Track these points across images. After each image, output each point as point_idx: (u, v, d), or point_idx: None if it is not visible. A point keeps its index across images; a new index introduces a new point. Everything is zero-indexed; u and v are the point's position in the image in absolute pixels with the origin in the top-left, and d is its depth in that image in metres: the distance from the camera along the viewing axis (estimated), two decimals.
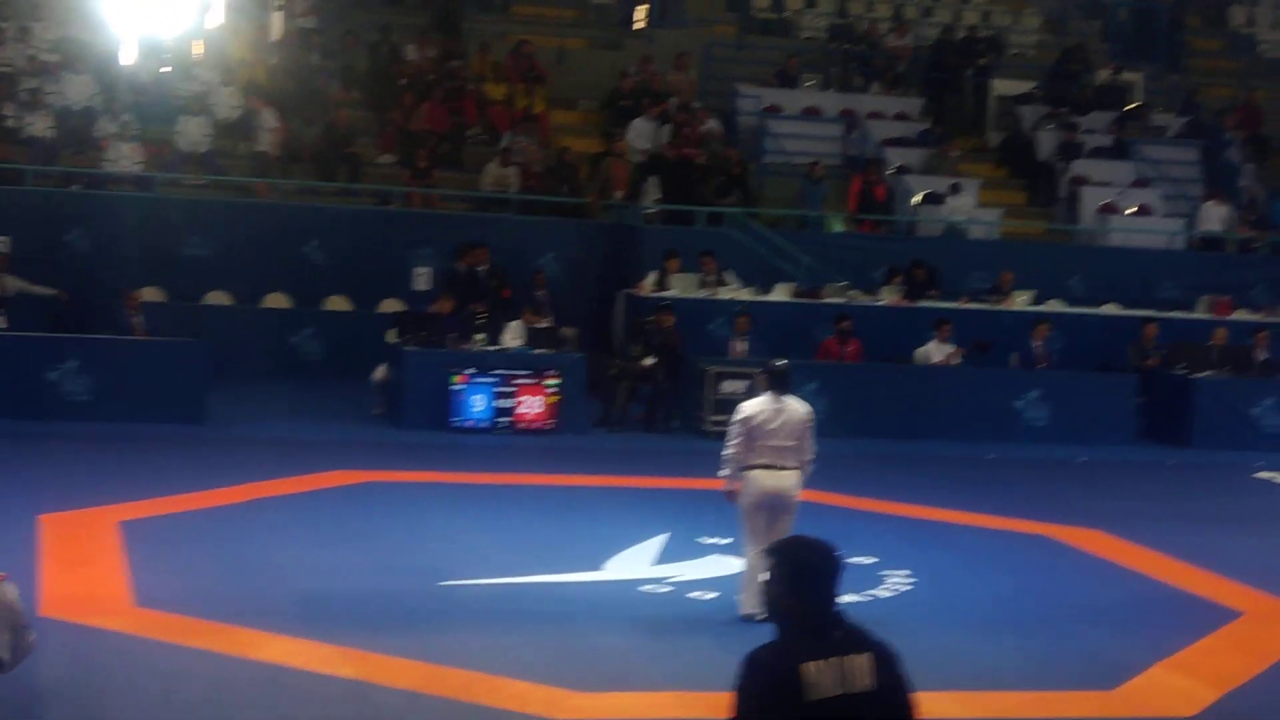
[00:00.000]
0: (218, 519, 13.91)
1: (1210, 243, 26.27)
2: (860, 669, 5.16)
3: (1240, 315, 23.72)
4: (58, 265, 21.56)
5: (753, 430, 11.37)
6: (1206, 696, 10.42)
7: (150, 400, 18.02)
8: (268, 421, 18.60)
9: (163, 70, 24.95)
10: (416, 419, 18.62)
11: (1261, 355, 21.61)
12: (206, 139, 23.65)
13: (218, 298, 22.20)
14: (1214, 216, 26.07)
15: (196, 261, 22.31)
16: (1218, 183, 27.44)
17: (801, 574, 5.20)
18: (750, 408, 11.52)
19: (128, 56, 23.63)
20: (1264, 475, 19.32)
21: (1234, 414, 20.98)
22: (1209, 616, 12.48)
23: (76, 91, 23.89)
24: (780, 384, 11.54)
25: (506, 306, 21.16)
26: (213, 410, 18.35)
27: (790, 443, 11.39)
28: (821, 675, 5.05)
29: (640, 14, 29.14)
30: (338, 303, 22.63)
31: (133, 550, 12.52)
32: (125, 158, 22.78)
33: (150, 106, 24.25)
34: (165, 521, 13.66)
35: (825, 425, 17.07)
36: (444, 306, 19.87)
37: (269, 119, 23.90)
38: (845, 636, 5.21)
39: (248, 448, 17.11)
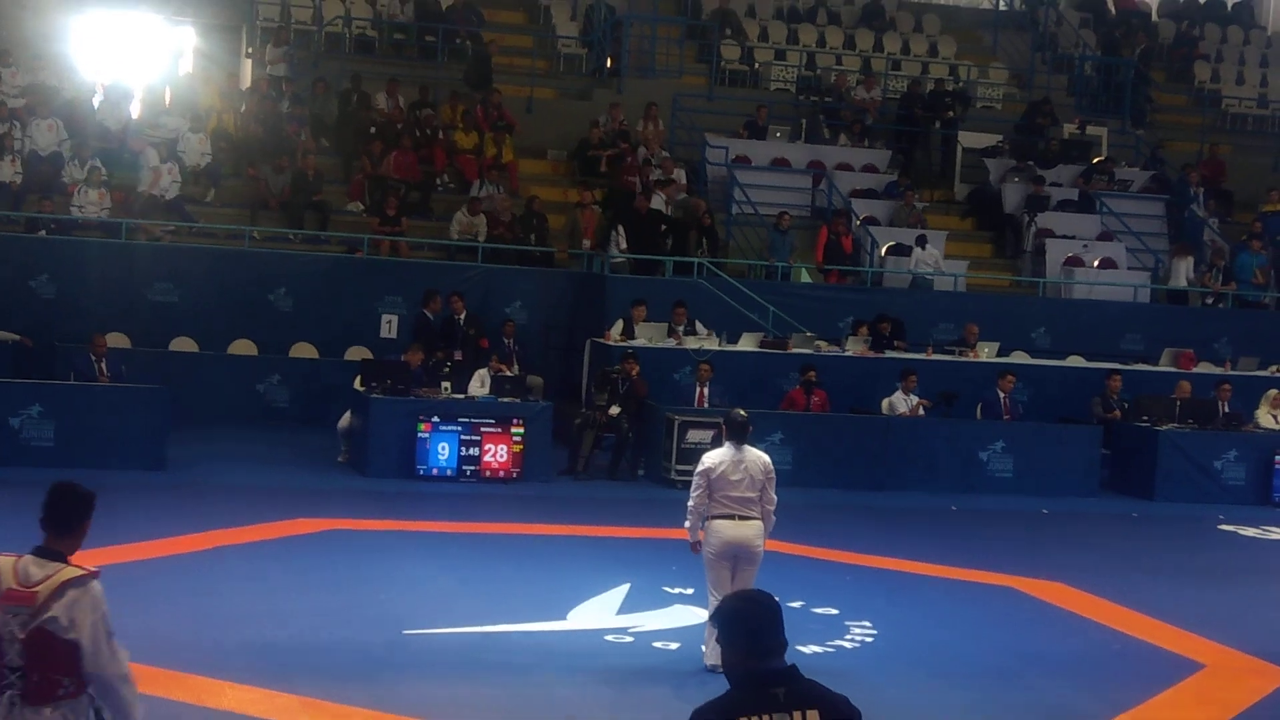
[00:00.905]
0: (178, 567, 13.84)
1: (1175, 296, 26.45)
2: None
3: (1204, 368, 23.87)
4: (22, 310, 21.52)
5: (714, 481, 11.39)
6: None
7: (113, 446, 17.94)
8: (232, 468, 18.53)
9: (132, 117, 24.99)
10: (382, 467, 18.58)
11: (1224, 408, 21.73)
12: (175, 185, 23.62)
13: (184, 344, 22.13)
14: (1180, 270, 26.26)
15: (162, 307, 22.28)
16: (1182, 236, 27.65)
17: (735, 629, 5.25)
18: (711, 459, 11.54)
19: (96, 102, 23.70)
20: (1226, 528, 19.40)
21: (1197, 466, 21.08)
22: (1171, 669, 12.51)
23: (44, 137, 23.87)
24: (740, 434, 11.57)
25: (481, 355, 21.18)
26: (176, 457, 18.28)
27: (752, 493, 11.41)
28: None
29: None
30: (304, 350, 22.58)
31: None
32: (92, 204, 22.75)
33: (118, 153, 24.23)
34: (125, 569, 13.55)
35: (790, 475, 17.18)
36: (414, 358, 19.84)
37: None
38: (790, 693, 5.19)
39: (211, 494, 17.04)
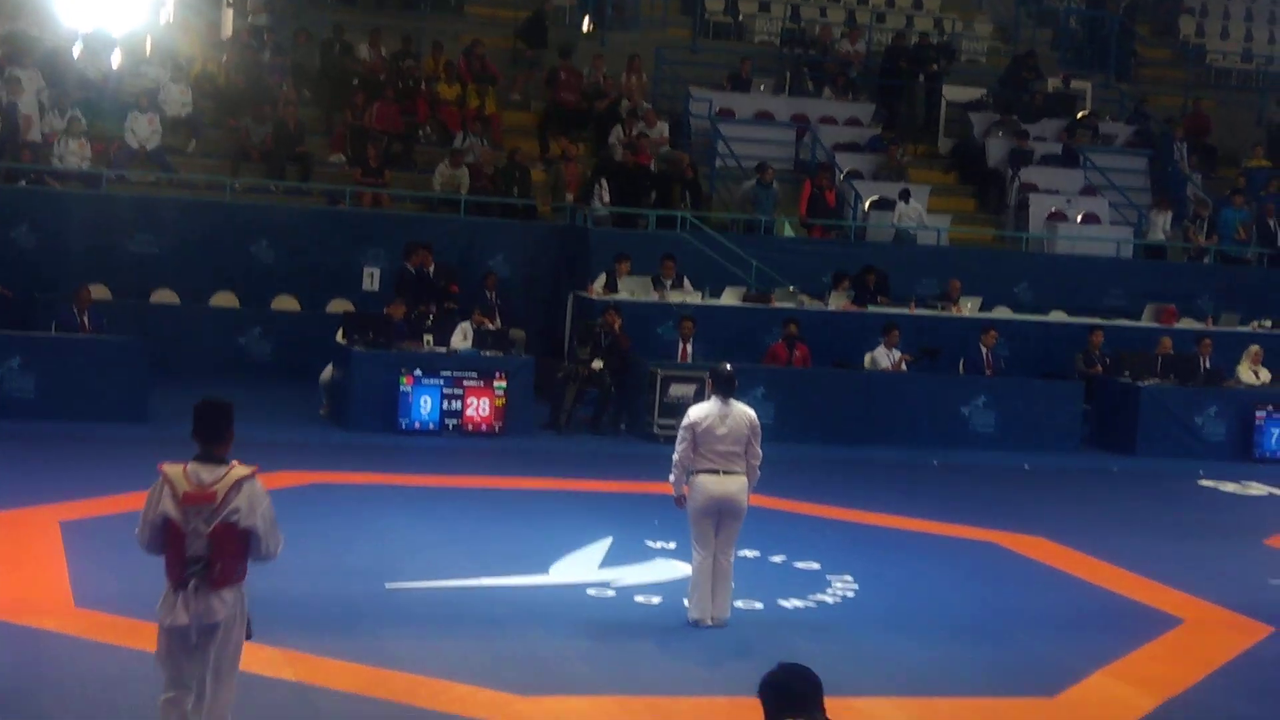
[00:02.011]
0: None
1: (1156, 251, 26.46)
2: None
3: (1186, 324, 23.92)
4: (2, 262, 21.40)
5: (699, 435, 11.39)
6: (1146, 704, 10.49)
7: (93, 399, 17.90)
8: None
9: (113, 67, 24.82)
10: (364, 420, 18.55)
11: (1205, 364, 21.78)
12: (156, 136, 23.48)
13: (164, 296, 22.04)
14: (1158, 223, 26.27)
15: (143, 259, 22.17)
16: (1165, 191, 27.64)
17: (773, 697, 5.63)
18: (696, 413, 11.54)
19: (76, 51, 23.53)
20: (1206, 483, 19.48)
21: (1178, 422, 21.14)
22: (1150, 624, 12.57)
23: (24, 87, 23.65)
24: (726, 388, 11.56)
25: (455, 305, 21.12)
26: (157, 409, 18.23)
27: (737, 448, 11.42)
28: None
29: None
30: (286, 302, 22.51)
31: (73, 550, 12.43)
32: (72, 154, 22.60)
33: (98, 103, 24.08)
34: (107, 522, 13.54)
35: (772, 430, 17.18)
36: (397, 311, 19.78)
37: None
38: None
39: (191, 448, 16.94)
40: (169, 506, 7.51)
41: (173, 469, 7.58)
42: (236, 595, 7.59)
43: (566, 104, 26.42)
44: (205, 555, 7.47)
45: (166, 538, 7.56)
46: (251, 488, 7.53)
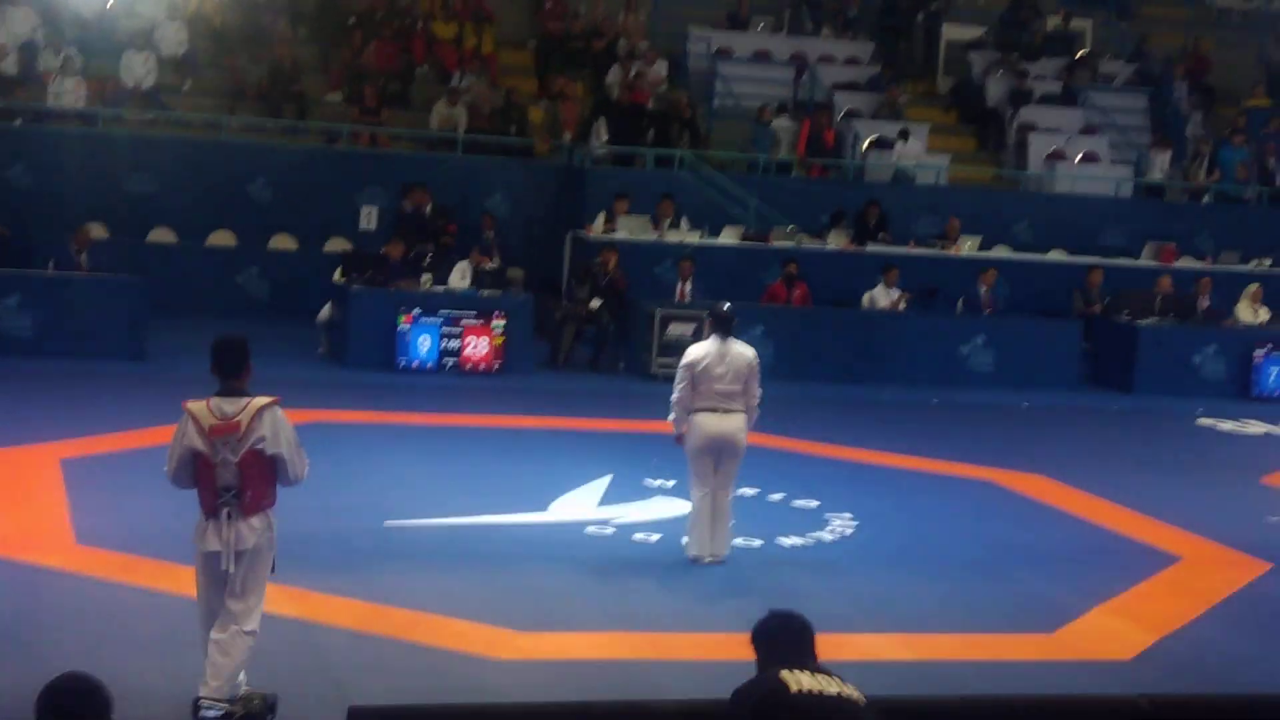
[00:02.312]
0: (159, 457, 13.72)
1: (1155, 190, 26.41)
2: (837, 682, 5.49)
3: (1184, 263, 23.90)
4: None
5: (698, 375, 11.40)
6: (1143, 640, 10.54)
7: (92, 337, 17.92)
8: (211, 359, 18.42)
9: (108, 5, 24.66)
10: (362, 359, 18.55)
11: (1204, 303, 21.78)
12: (151, 75, 23.37)
13: (162, 235, 22.01)
14: (1157, 162, 26.20)
15: (140, 198, 22.12)
16: (1165, 131, 27.55)
17: (765, 646, 5.65)
18: (695, 352, 11.55)
19: None
20: (1204, 421, 19.51)
21: (1176, 361, 21.15)
22: (1148, 561, 12.62)
23: (19, 25, 23.55)
24: (724, 328, 11.57)
25: (451, 246, 21.09)
26: (155, 348, 18.24)
27: (735, 387, 11.43)
28: (799, 678, 5.41)
29: None
30: (283, 241, 22.46)
31: (74, 488, 12.46)
32: (68, 92, 22.50)
33: (94, 41, 23.96)
34: (107, 459, 13.59)
35: (771, 369, 17.15)
36: (395, 250, 19.74)
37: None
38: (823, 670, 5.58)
39: (190, 386, 16.82)
40: (196, 440, 7.89)
41: (196, 405, 7.94)
42: (265, 522, 8.01)
43: (554, 33, 26.31)
44: (235, 484, 7.87)
45: (196, 471, 7.96)
46: (273, 415, 7.92)
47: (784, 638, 5.61)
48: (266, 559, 8.09)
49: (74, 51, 23.01)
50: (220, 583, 8.02)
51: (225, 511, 7.90)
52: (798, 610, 5.81)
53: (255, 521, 7.96)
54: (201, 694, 7.95)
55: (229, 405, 7.92)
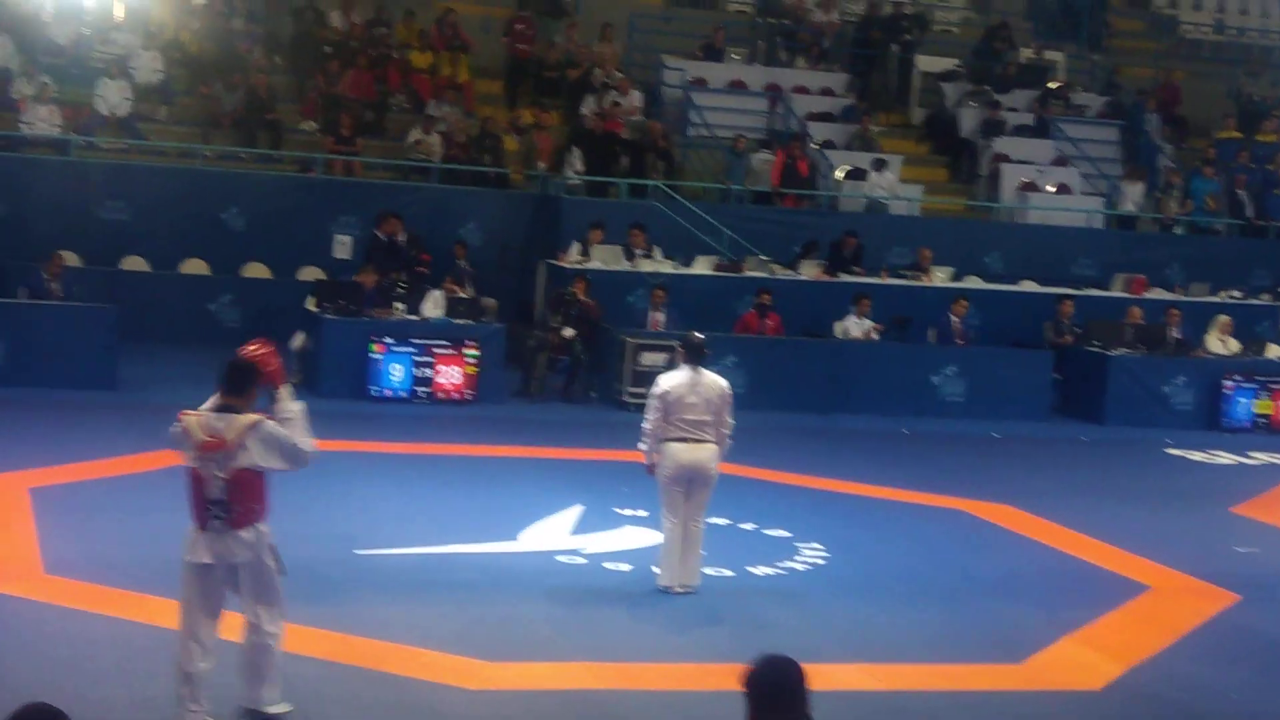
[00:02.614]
0: (129, 486, 13.80)
1: (1127, 221, 26.55)
2: None
3: (1154, 294, 24.02)
4: None
5: (670, 404, 11.42)
6: (1112, 670, 10.57)
7: (63, 365, 17.85)
8: (183, 388, 18.16)
9: (83, 33, 24.66)
10: (334, 387, 18.51)
11: (1174, 333, 21.87)
12: (126, 103, 23.37)
13: (135, 263, 21.96)
14: (1130, 194, 26.34)
15: (113, 226, 22.08)
16: (1136, 162, 27.71)
17: (756, 692, 5.23)
18: (667, 381, 11.57)
19: (47, 18, 23.36)
20: (1174, 452, 19.59)
21: (1146, 391, 21.24)
22: (1117, 591, 12.66)
23: None
24: (696, 357, 11.59)
25: (425, 275, 21.09)
26: (127, 376, 18.19)
27: (707, 416, 11.45)
28: None
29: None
30: (256, 269, 22.44)
31: (43, 517, 12.42)
32: (42, 120, 22.48)
33: (69, 69, 23.94)
34: (76, 488, 13.55)
35: (744, 398, 17.18)
36: (368, 279, 19.74)
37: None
38: None
39: (161, 415, 16.78)
40: (189, 454, 8.17)
41: (190, 419, 8.19)
42: (255, 534, 8.18)
43: (523, 55, 26.39)
44: (224, 498, 8.12)
45: (188, 483, 8.23)
46: (260, 431, 8.11)
47: (778, 691, 5.25)
48: (268, 566, 8.27)
49: (48, 79, 23.00)
50: (207, 595, 8.23)
51: (215, 524, 8.13)
52: (786, 656, 5.39)
53: (245, 535, 8.15)
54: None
55: (220, 422, 8.13)
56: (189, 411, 8.23)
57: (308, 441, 8.36)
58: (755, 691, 5.22)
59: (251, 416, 8.15)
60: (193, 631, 8.22)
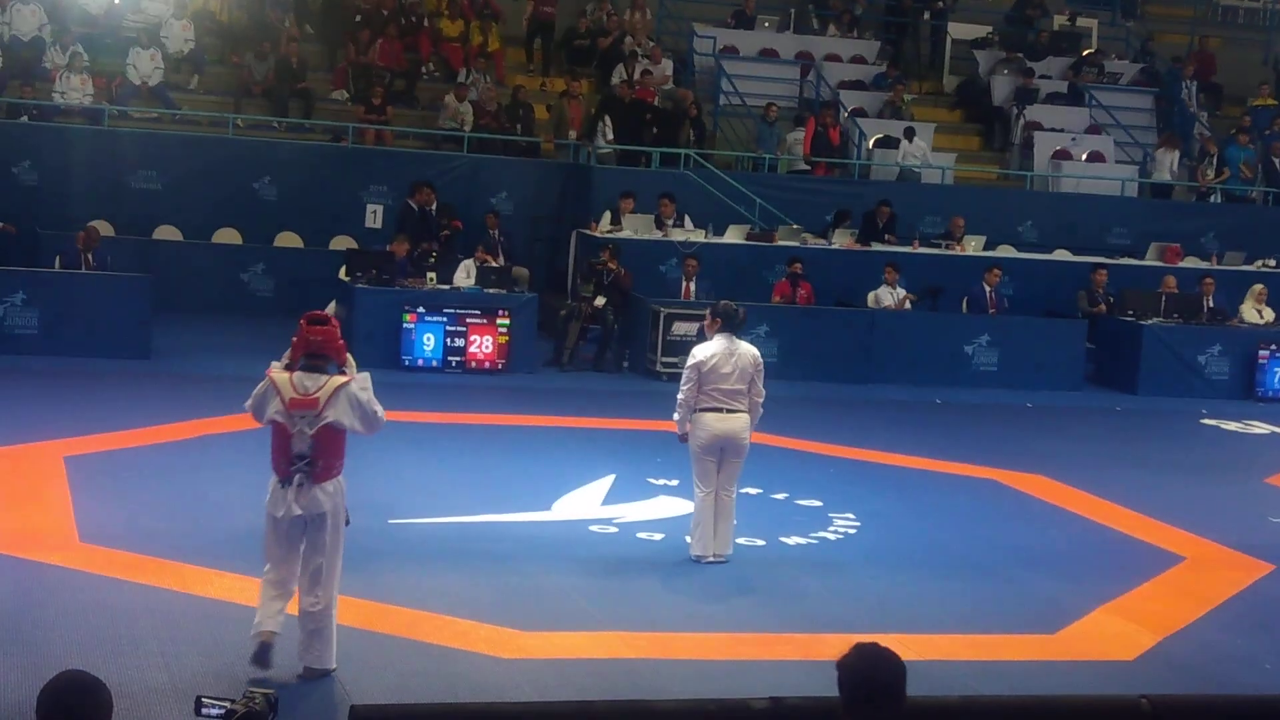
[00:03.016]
0: (164, 455, 13.87)
1: (1161, 190, 26.39)
2: None
3: (1189, 263, 23.88)
4: (5, 197, 21.36)
5: (705, 374, 11.42)
6: (1146, 641, 10.55)
7: (97, 335, 17.92)
8: (216, 357, 18.47)
9: (114, 2, 24.69)
10: (367, 357, 18.18)
11: (1209, 303, 21.76)
12: (158, 72, 23.41)
13: (167, 232, 22.02)
14: (1165, 162, 26.18)
15: (146, 195, 22.13)
16: (1171, 130, 27.53)
17: (851, 688, 4.90)
18: (703, 352, 11.56)
19: None
20: (1209, 422, 19.50)
21: (1180, 361, 21.13)
22: (1151, 561, 12.62)
23: (25, 22, 23.59)
24: (731, 325, 11.58)
25: (456, 242, 21.11)
26: (160, 345, 18.27)
27: (740, 386, 11.44)
28: None
29: None
30: (289, 239, 22.48)
31: (78, 485, 12.48)
32: (74, 90, 22.53)
33: (101, 38, 23.98)
34: (111, 457, 13.61)
35: (776, 368, 17.20)
36: (400, 248, 19.76)
37: None
38: None
39: (195, 384, 17.04)
40: (277, 410, 8.58)
41: (280, 376, 8.62)
42: (337, 486, 8.65)
43: (547, 17, 26.29)
44: (309, 453, 8.52)
45: (273, 437, 8.65)
46: (348, 393, 8.58)
47: (874, 688, 4.86)
48: (340, 521, 8.70)
49: (80, 48, 23.04)
50: (289, 544, 8.63)
51: (298, 478, 8.51)
52: (886, 648, 4.99)
53: (328, 486, 8.57)
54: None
55: (310, 381, 8.58)
56: (276, 367, 8.65)
57: (380, 409, 8.75)
58: (850, 688, 4.87)
59: (341, 378, 8.63)
60: (277, 583, 8.68)
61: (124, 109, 22.91)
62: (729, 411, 11.44)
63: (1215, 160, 26.56)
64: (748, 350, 11.57)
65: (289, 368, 8.68)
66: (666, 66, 25.94)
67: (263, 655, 8.57)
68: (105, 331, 18.01)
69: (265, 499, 8.67)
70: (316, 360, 8.66)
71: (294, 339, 8.78)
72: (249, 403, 8.84)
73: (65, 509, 11.85)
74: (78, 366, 17.21)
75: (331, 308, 19.37)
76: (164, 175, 22.21)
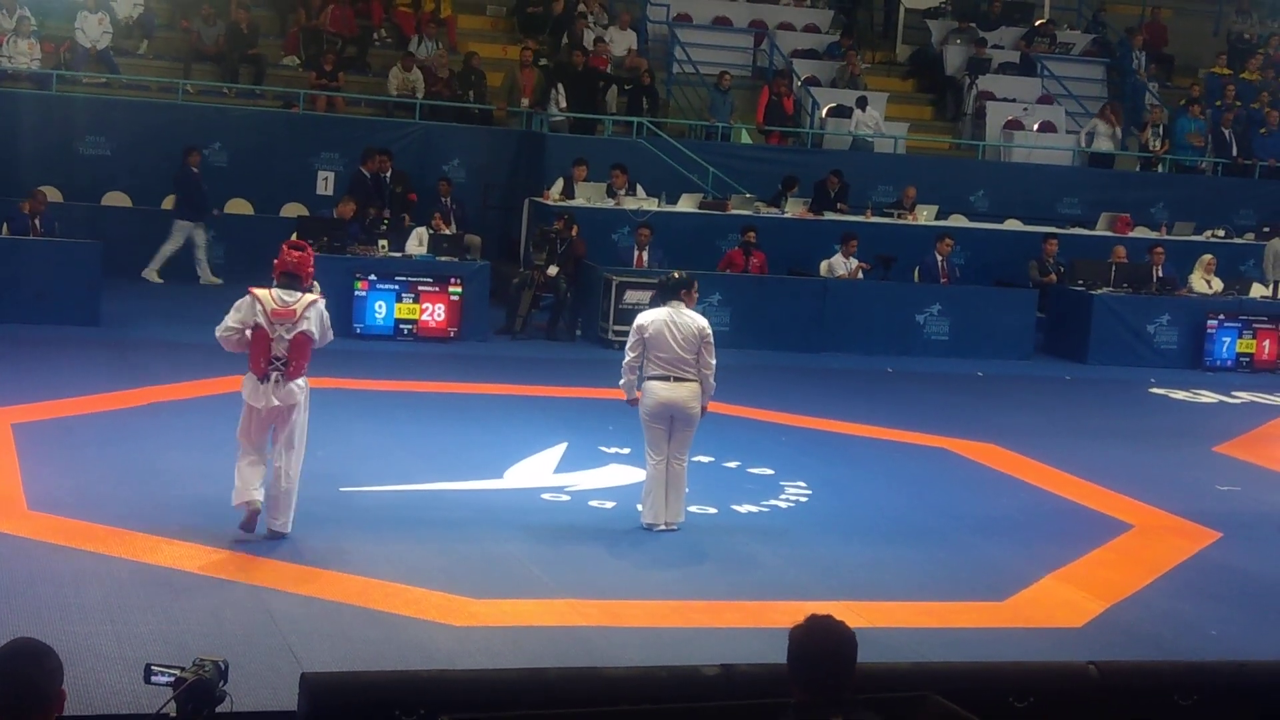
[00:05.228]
0: (112, 422, 13.78)
1: (1102, 159, 26.46)
2: None
3: (1139, 232, 24.01)
4: None
5: (649, 340, 11.42)
6: (1094, 608, 10.63)
7: (45, 301, 17.76)
8: (166, 324, 18.33)
9: None
10: None
11: (1158, 272, 21.89)
12: (106, 36, 23.18)
13: (116, 198, 21.84)
14: (1104, 133, 26.19)
15: (95, 161, 21.94)
16: (1122, 100, 27.64)
17: (798, 659, 4.91)
18: (645, 318, 11.56)
19: None
20: (1158, 391, 19.63)
21: (1130, 330, 21.26)
22: (1100, 529, 12.71)
23: None
24: (670, 295, 11.57)
25: (410, 211, 21.02)
26: (109, 312, 18.14)
27: (687, 355, 11.42)
28: None
29: None
30: (239, 206, 22.32)
31: (25, 453, 12.38)
32: (22, 54, 22.29)
33: (49, 3, 23.71)
34: (59, 424, 13.51)
35: (728, 336, 17.22)
36: (346, 210, 19.67)
37: None
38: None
39: (144, 350, 16.93)
40: (261, 318, 10.43)
41: (261, 291, 10.52)
42: (304, 383, 10.61)
43: None
44: (284, 355, 10.44)
45: (253, 342, 10.44)
46: (317, 309, 10.60)
47: (825, 664, 4.86)
48: (305, 414, 10.68)
49: (28, 12, 22.78)
50: (262, 429, 10.55)
51: (275, 376, 10.40)
52: (839, 621, 5.01)
53: (300, 382, 10.55)
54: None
55: (288, 296, 10.52)
56: (256, 287, 10.54)
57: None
58: (800, 665, 4.88)
59: (312, 295, 10.64)
60: (254, 463, 10.49)
61: (73, 74, 22.68)
62: (676, 380, 11.43)
63: (1162, 131, 26.66)
64: (692, 319, 11.52)
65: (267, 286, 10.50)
66: (625, 37, 25.81)
67: (251, 522, 10.46)
68: (54, 298, 17.85)
69: (243, 394, 10.51)
70: (291, 279, 10.54)
71: (275, 261, 10.66)
72: (227, 319, 10.54)
73: (13, 477, 11.75)
74: (26, 333, 17.06)
75: None
76: (113, 141, 22.03)
